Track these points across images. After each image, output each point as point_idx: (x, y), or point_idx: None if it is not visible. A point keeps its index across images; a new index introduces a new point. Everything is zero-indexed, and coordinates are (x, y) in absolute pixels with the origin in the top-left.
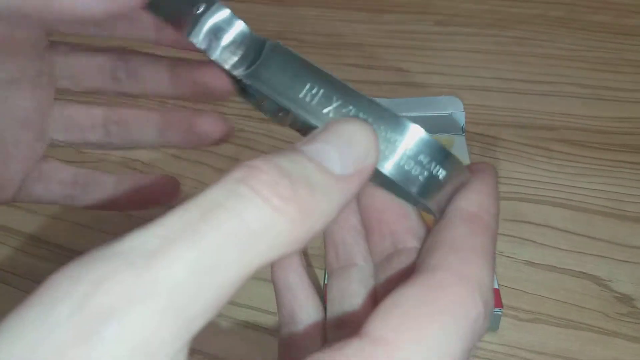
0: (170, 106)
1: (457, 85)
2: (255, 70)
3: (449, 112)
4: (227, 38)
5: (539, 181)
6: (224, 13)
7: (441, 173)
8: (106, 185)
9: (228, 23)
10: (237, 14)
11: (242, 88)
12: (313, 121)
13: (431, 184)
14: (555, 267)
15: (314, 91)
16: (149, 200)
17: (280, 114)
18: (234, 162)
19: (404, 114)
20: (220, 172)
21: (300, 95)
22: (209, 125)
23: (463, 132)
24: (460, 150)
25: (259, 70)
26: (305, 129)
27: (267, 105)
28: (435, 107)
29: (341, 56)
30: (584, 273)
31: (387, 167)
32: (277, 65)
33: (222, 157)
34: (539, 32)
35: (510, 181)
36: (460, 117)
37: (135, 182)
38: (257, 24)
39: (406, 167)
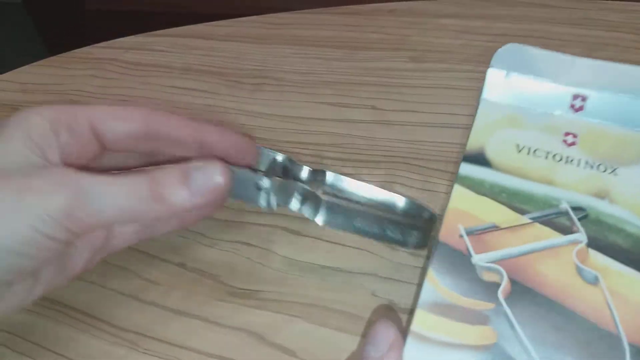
0: None
1: (431, 122)
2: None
3: None
4: (290, 196)
5: None
6: (278, 180)
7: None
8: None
9: (285, 186)
10: (219, 52)
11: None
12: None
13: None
14: None
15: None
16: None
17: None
18: None
19: None
20: None
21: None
22: None
23: None
24: None
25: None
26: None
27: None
28: None
29: (317, 94)
30: None
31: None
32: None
33: None
34: None
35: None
36: None
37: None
38: (236, 62)
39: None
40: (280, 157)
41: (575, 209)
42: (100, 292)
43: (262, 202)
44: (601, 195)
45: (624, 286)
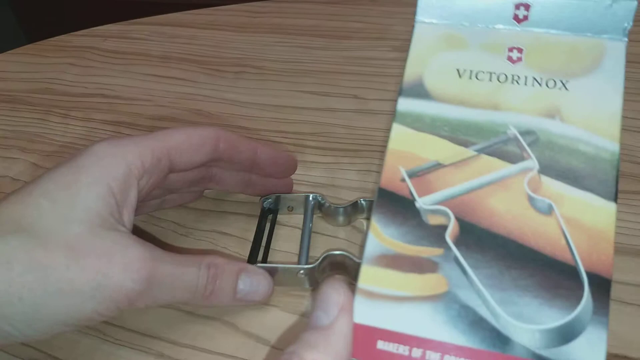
0: None
1: None
2: None
3: (609, 1)
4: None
5: None
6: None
7: None
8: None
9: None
10: (200, 40)
11: None
12: None
13: None
14: None
15: None
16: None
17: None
18: None
19: None
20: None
21: None
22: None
23: (625, 37)
24: (615, 63)
25: None
26: None
27: None
28: None
29: (298, 83)
30: None
31: None
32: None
33: None
34: None
35: None
36: (627, 11)
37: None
38: (217, 50)
39: None
40: (311, 197)
41: (525, 133)
42: None
43: (305, 285)
44: (552, 114)
45: (580, 212)
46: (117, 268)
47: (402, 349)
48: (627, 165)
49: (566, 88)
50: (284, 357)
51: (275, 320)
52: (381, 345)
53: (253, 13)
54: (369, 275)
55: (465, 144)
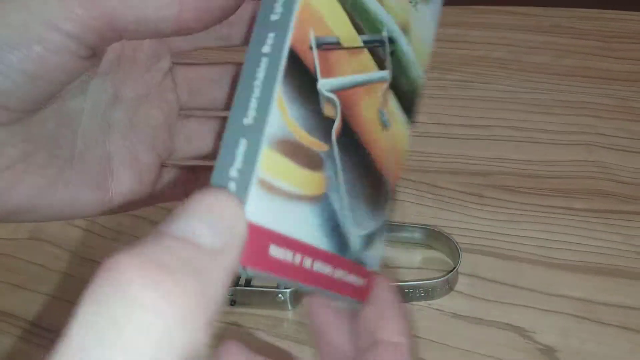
0: None
1: None
2: None
3: None
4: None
5: (470, 229)
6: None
7: None
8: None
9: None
10: None
11: None
12: None
13: None
14: (482, 319)
15: None
16: None
17: None
18: None
19: None
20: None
21: None
22: None
23: None
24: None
25: None
26: None
27: None
28: None
29: None
30: (509, 325)
31: None
32: None
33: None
34: (480, 75)
35: (443, 230)
36: None
37: None
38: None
39: None
40: None
41: (390, 40)
42: (60, 306)
43: (287, 307)
44: (406, 30)
45: (399, 134)
46: None
47: (294, 257)
48: (608, 184)
49: (416, 9)
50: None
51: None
52: (274, 251)
53: None
54: (271, 163)
55: (358, 29)
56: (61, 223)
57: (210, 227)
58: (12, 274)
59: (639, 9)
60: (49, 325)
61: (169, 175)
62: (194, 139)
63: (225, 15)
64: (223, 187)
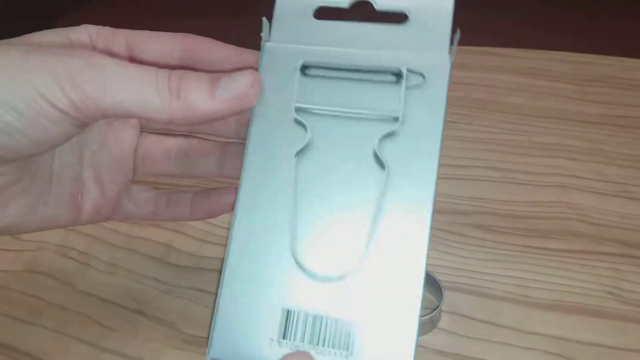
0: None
1: None
2: None
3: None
4: None
5: (452, 267)
6: None
7: None
8: (185, 202)
9: None
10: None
11: None
12: None
13: None
14: (463, 355)
15: None
16: (219, 210)
17: None
18: (168, 248)
19: None
20: (153, 259)
21: None
22: None
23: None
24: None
25: None
26: None
27: None
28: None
29: None
30: None
31: None
32: None
33: (155, 242)
34: (459, 115)
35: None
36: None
37: (207, 195)
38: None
39: None
40: None
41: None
42: (56, 338)
43: None
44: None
45: None
46: (55, 48)
47: None
48: (581, 226)
49: None
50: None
51: None
52: None
53: None
54: None
55: None
56: (57, 256)
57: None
58: (9, 306)
59: (612, 52)
60: (48, 358)
61: (138, 191)
62: (149, 158)
63: (216, 119)
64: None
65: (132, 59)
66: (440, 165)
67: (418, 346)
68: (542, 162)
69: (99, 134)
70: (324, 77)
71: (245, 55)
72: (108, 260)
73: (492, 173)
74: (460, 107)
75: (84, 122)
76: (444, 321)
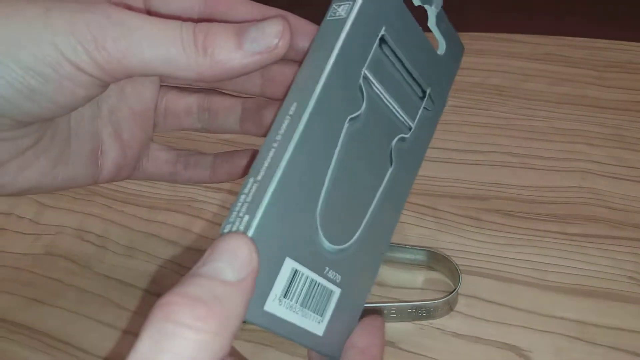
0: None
1: None
2: None
3: None
4: None
5: (469, 252)
6: None
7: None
8: (205, 164)
9: None
10: None
11: None
12: None
13: None
14: (480, 338)
15: None
16: (241, 172)
17: None
18: (186, 232)
19: None
20: (171, 243)
21: None
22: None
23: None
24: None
25: None
26: None
27: None
28: None
29: None
30: (506, 344)
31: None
32: None
33: (173, 227)
34: (476, 101)
35: (443, 252)
36: None
37: (229, 157)
38: None
39: None
40: None
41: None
42: (75, 319)
43: None
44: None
45: None
46: (74, 3)
47: None
48: (601, 211)
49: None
50: (172, 299)
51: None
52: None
53: None
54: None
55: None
56: (76, 239)
57: (230, 266)
58: (29, 288)
59: (626, 37)
60: (67, 339)
61: (158, 150)
62: (170, 113)
63: (244, 73)
64: (239, 233)
65: (150, 13)
66: (453, 151)
67: (436, 329)
68: (562, 147)
69: (117, 88)
70: (387, 58)
71: (269, 13)
72: (126, 244)
73: (509, 158)
74: (477, 92)
75: (107, 82)
76: (461, 304)
